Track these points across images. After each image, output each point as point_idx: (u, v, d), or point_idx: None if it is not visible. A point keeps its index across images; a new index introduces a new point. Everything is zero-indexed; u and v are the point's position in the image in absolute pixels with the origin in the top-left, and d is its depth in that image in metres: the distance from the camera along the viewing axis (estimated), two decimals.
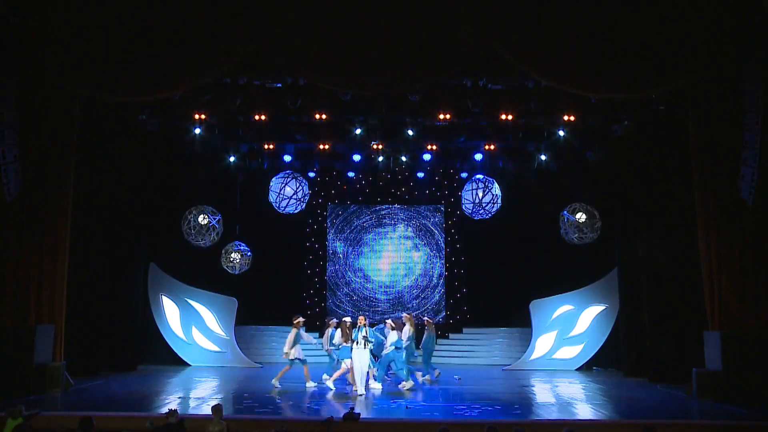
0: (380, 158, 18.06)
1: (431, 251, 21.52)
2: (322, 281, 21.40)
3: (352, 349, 12.65)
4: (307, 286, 21.42)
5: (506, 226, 19.87)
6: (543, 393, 13.53)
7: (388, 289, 21.29)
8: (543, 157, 17.34)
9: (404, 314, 14.36)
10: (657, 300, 15.19)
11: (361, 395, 12.37)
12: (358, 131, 15.95)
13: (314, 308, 21.38)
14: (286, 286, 21.04)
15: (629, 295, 16.52)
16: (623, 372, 16.63)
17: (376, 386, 13.25)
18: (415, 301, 21.21)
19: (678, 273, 14.67)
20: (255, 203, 19.31)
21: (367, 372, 13.00)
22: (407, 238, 21.56)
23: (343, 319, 13.48)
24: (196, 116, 14.76)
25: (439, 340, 19.72)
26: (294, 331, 13.23)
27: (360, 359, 12.68)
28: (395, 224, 21.71)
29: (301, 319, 14.22)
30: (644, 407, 11.83)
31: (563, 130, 15.70)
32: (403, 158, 17.93)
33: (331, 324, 13.98)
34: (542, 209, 18.63)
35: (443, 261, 21.38)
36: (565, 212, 15.93)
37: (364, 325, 12.88)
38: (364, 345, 12.59)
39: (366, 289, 21.32)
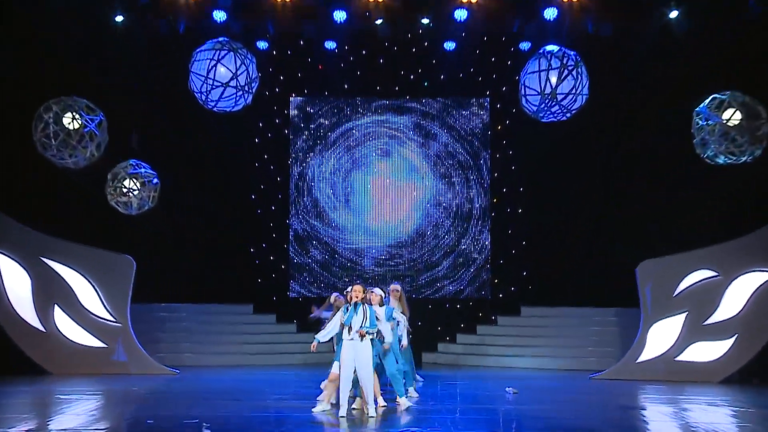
0: (379, 21, 18.50)
1: (467, 180, 22.23)
2: (281, 230, 22.09)
3: (341, 341, 12.84)
4: (256, 237, 22.24)
5: (595, 134, 20.31)
6: (668, 428, 13.03)
7: (390, 249, 22.24)
8: (673, 14, 17.69)
9: (393, 286, 15.21)
10: None
11: (370, 416, 12.74)
12: None
13: (268, 275, 22.16)
14: (218, 236, 21.59)
15: None
16: None
17: (402, 402, 13.74)
18: (438, 269, 22.23)
19: None
20: (165, 95, 19.65)
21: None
22: (425, 156, 22.33)
23: (333, 295, 13.86)
24: None
25: (483, 326, 21.44)
26: (339, 313, 13.20)
27: (355, 360, 12.64)
28: (404, 133, 22.29)
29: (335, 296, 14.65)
30: None
31: None
32: (423, 19, 18.43)
33: (337, 303, 14.21)
34: (661, 105, 18.89)
35: (487, 196, 22.21)
36: (704, 108, 15.60)
37: (363, 300, 12.83)
38: (361, 337, 12.64)
39: (354, 246, 22.25)
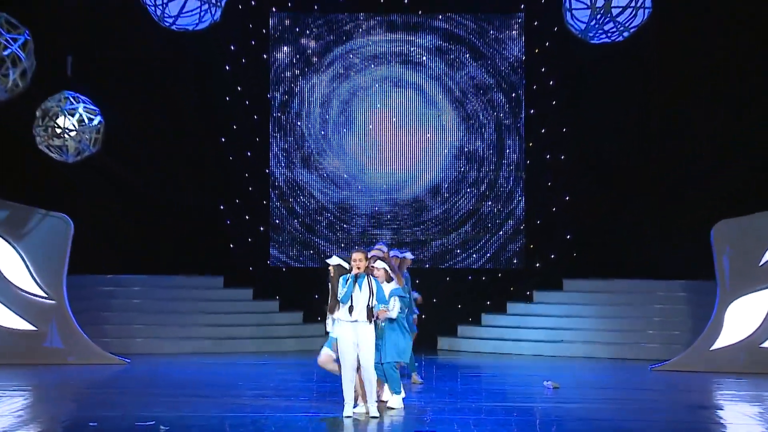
0: None
1: (495, 120, 22.34)
2: (259, 182, 22.27)
3: (333, 323, 13.29)
4: (228, 191, 22.42)
5: (659, 60, 20.47)
6: None
7: (398, 207, 22.44)
8: None
9: (405, 256, 15.68)
10: None
11: (371, 416, 13.06)
12: None
13: (243, 240, 22.25)
14: (180, 191, 21.76)
15: None
16: None
17: (394, 401, 13.96)
18: (458, 233, 22.43)
19: None
20: (110, 9, 19.75)
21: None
22: (443, 89, 22.41)
23: (331, 260, 13.68)
24: None
25: (515, 304, 21.53)
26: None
27: (358, 343, 13.01)
28: (416, 59, 22.44)
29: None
30: None
31: None
32: None
33: (378, 272, 13.89)
34: (744, 20, 19.23)
35: (521, 142, 22.40)
36: None
37: (366, 270, 13.14)
38: (368, 317, 12.95)
39: (352, 204, 22.46)
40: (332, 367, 13.47)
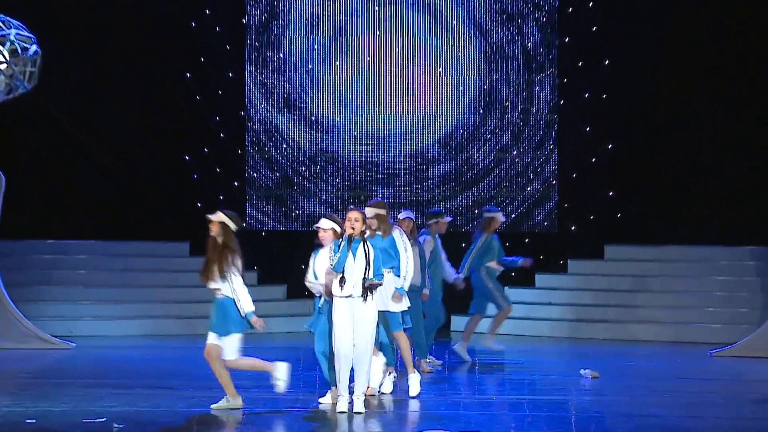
0: None
1: (522, 53, 22.43)
2: (232, 126, 22.35)
3: (320, 300, 13.59)
4: (195, 137, 22.41)
5: None
6: None
7: (405, 158, 22.72)
8: None
9: (402, 215, 16.08)
10: None
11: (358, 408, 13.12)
12: None
13: (213, 197, 22.08)
14: (136, 137, 21.92)
15: None
16: None
17: (414, 384, 14.31)
18: (476, 188, 22.64)
19: None
20: None
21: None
22: (460, 13, 22.58)
23: (321, 223, 13.93)
24: None
25: (545, 276, 21.75)
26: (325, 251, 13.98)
27: (354, 327, 13.18)
28: None
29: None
30: None
31: None
32: None
33: (324, 234, 14.07)
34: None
35: (553, 79, 22.42)
36: None
37: (361, 236, 13.23)
38: (365, 294, 13.06)
39: (348, 151, 22.77)
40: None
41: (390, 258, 14.56)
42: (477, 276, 17.59)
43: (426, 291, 16.16)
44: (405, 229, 15.43)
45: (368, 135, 22.57)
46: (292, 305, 21.07)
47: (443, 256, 17.19)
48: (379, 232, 14.52)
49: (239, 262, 13.47)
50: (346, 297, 12.85)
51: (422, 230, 16.91)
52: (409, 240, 15.25)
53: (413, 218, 15.88)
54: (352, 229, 12.87)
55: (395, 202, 21.79)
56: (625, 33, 21.86)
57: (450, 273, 17.31)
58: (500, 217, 17.70)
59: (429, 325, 16.65)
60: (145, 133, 21.84)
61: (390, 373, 14.64)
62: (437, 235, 16.77)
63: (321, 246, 13.74)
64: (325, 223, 13.86)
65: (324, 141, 22.56)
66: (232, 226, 13.43)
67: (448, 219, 17.14)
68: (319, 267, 13.79)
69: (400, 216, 16.21)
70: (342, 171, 22.62)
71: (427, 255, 16.24)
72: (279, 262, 21.55)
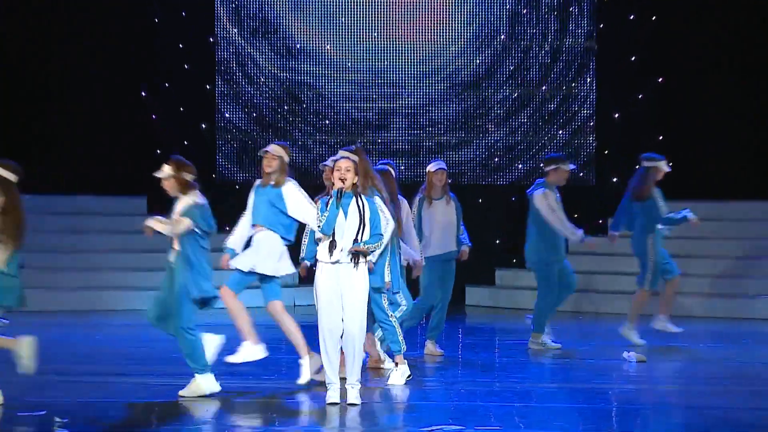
0: None
1: None
2: (199, 57, 23.14)
3: (302, 261, 14.42)
4: (155, 72, 23.26)
5: None
6: None
7: (409, 99, 23.61)
8: None
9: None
10: None
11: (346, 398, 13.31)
12: None
13: (177, 143, 22.69)
14: (87, 73, 22.53)
15: None
16: None
17: (391, 366, 14.85)
18: (494, 135, 23.48)
19: None
20: None
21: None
22: None
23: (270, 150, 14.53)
24: None
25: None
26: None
27: (343, 298, 13.41)
28: None
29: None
30: None
31: None
32: None
33: (167, 183, 14.33)
34: None
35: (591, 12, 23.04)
36: None
37: (354, 190, 13.38)
38: (355, 259, 13.29)
39: (337, 90, 23.63)
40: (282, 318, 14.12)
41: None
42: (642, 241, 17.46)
43: (465, 248, 16.47)
44: (437, 182, 16.03)
45: (366, 67, 22.84)
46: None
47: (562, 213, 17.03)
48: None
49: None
50: (333, 263, 12.92)
51: (538, 180, 17.09)
52: (442, 198, 15.83)
53: (445, 168, 16.11)
54: (342, 181, 12.91)
55: (392, 149, 22.18)
56: None
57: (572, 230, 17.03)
58: (664, 166, 17.16)
59: (561, 296, 17.09)
60: (92, 62, 21.91)
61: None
62: (555, 187, 16.72)
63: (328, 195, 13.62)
64: (274, 149, 14.42)
65: (310, 74, 22.50)
66: (11, 177, 13.42)
67: (572, 167, 17.15)
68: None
69: (430, 167, 16.46)
70: (331, 109, 22.98)
71: (546, 212, 16.44)
72: None
